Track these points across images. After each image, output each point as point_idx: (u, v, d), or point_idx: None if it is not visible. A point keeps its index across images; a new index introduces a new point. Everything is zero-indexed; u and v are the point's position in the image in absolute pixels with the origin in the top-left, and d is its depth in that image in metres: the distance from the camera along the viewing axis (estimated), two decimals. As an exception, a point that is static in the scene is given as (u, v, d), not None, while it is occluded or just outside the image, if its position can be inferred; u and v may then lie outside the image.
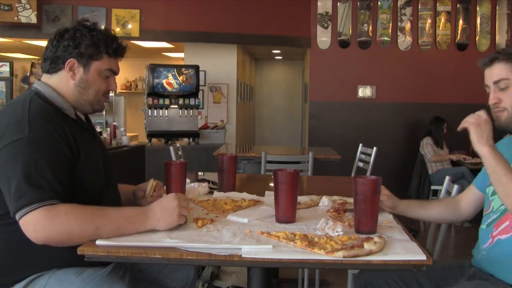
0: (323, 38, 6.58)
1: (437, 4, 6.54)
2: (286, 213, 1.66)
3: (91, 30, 1.66)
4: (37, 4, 6.04)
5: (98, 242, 1.37)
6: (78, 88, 1.65)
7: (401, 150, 6.56)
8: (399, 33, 6.55)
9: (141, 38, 6.49)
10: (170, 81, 6.03)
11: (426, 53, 6.54)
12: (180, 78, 6.06)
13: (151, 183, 1.82)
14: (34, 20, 6.04)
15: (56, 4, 6.20)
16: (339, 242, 1.40)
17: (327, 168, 4.63)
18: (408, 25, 6.54)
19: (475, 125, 1.55)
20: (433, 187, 5.57)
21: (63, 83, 1.65)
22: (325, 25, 6.56)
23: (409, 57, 6.54)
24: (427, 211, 1.88)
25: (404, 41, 6.54)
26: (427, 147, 5.69)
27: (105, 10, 6.30)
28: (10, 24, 6.04)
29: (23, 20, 6.03)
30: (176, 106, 6.05)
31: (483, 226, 1.74)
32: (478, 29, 6.56)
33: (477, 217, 1.88)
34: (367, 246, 1.34)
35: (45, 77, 1.68)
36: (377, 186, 1.57)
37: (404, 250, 1.36)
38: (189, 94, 6.08)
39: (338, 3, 6.52)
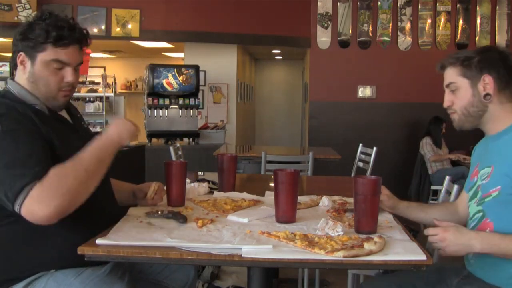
0: (323, 38, 6.58)
1: (437, 4, 6.53)
2: (286, 213, 1.66)
3: (42, 20, 1.58)
4: (37, 4, 6.04)
5: (98, 241, 1.37)
6: (29, 82, 1.59)
7: (401, 150, 6.56)
8: (399, 33, 6.55)
9: (141, 38, 6.49)
10: (170, 81, 6.03)
11: (426, 53, 6.53)
12: (180, 78, 6.06)
13: (153, 187, 1.82)
14: (34, 20, 6.03)
15: (56, 4, 6.19)
16: (339, 242, 1.40)
17: (327, 168, 4.63)
18: (408, 25, 6.54)
19: (446, 246, 1.50)
20: (433, 187, 5.56)
21: (22, 79, 1.61)
22: (325, 25, 6.56)
23: (409, 57, 6.53)
24: (427, 214, 1.88)
25: (404, 41, 6.54)
26: (426, 147, 5.69)
27: (105, 10, 6.29)
28: (10, 24, 6.03)
29: (23, 20, 6.01)
30: (176, 106, 6.05)
31: None
32: (478, 29, 6.56)
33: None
34: (367, 246, 1.34)
35: (15, 76, 1.65)
36: (377, 186, 1.57)
37: (404, 250, 1.36)
38: (189, 94, 6.07)
39: (338, 3, 6.52)
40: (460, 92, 1.70)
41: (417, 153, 5.90)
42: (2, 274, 1.54)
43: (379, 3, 6.51)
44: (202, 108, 7.29)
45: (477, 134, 1.82)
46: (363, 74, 6.59)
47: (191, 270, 1.90)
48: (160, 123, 6.04)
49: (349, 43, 6.56)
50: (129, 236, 1.44)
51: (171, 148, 4.25)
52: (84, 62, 1.75)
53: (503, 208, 1.58)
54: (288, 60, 11.61)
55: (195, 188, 2.14)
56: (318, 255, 1.32)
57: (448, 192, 2.19)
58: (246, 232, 1.51)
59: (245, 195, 2.09)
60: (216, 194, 2.14)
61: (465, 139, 5.42)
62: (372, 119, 6.56)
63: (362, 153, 4.65)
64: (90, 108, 7.83)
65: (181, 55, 8.21)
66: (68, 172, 1.42)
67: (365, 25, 6.55)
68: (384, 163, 5.62)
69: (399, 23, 6.54)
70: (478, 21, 6.55)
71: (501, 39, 6.54)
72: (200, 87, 6.43)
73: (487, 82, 1.65)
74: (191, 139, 6.13)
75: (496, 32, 6.54)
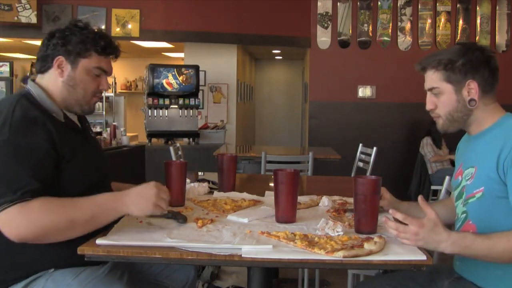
0: (323, 38, 6.58)
1: (437, 4, 6.53)
2: (286, 213, 1.66)
3: (82, 29, 1.66)
4: (37, 4, 6.03)
5: (98, 241, 1.37)
6: (66, 86, 1.65)
7: (401, 150, 6.56)
8: (399, 33, 6.54)
9: (141, 38, 6.49)
10: (170, 81, 6.03)
11: (426, 53, 6.40)
12: (180, 78, 6.06)
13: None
14: (34, 20, 6.03)
15: (56, 4, 6.20)
16: (339, 242, 1.40)
17: (327, 168, 4.63)
18: (408, 25, 6.53)
19: (415, 241, 1.40)
20: (433, 187, 5.56)
21: (52, 81, 1.66)
22: (325, 25, 6.56)
23: (409, 57, 6.52)
24: None
25: (404, 41, 6.54)
26: (427, 147, 5.69)
27: (105, 10, 6.29)
28: (10, 24, 6.03)
29: (23, 20, 6.03)
30: (176, 106, 6.05)
31: None
32: (478, 29, 6.55)
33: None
34: (367, 246, 1.34)
35: (38, 78, 1.69)
36: (377, 186, 1.57)
37: (404, 250, 1.37)
38: (189, 94, 6.07)
39: (338, 3, 6.52)
40: (443, 97, 1.65)
41: (417, 153, 5.90)
42: (1, 274, 1.54)
43: (379, 3, 6.51)
44: (202, 108, 7.29)
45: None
46: (363, 74, 6.59)
47: (191, 270, 1.90)
48: (160, 123, 6.04)
49: (349, 43, 6.56)
50: (129, 236, 1.44)
51: (171, 148, 4.25)
52: None
53: (485, 210, 1.56)
54: (288, 60, 11.61)
55: (195, 188, 2.14)
56: (318, 255, 1.32)
57: (448, 192, 2.19)
58: (246, 232, 1.51)
59: (245, 195, 2.09)
60: (216, 194, 2.14)
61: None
62: (372, 119, 6.56)
63: (362, 153, 4.65)
64: (90, 108, 7.80)
65: (181, 55, 8.21)
66: (52, 210, 1.41)
67: (365, 25, 6.54)
68: (384, 163, 5.62)
69: (399, 23, 6.54)
70: (478, 21, 6.55)
71: (501, 39, 6.54)
72: (200, 87, 6.43)
73: (472, 87, 1.60)
74: (191, 139, 6.13)
75: (496, 32, 6.54)
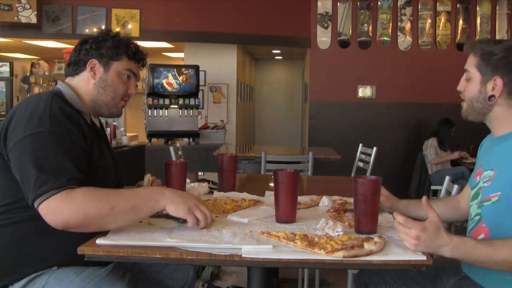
0: (323, 38, 6.58)
1: (437, 4, 6.53)
2: (286, 213, 1.65)
3: (114, 36, 1.75)
4: (37, 4, 6.04)
5: (98, 241, 1.37)
6: (97, 87, 1.72)
7: (401, 150, 6.56)
8: (399, 33, 6.55)
9: (141, 38, 6.48)
10: (170, 81, 6.03)
11: (426, 53, 6.53)
12: (180, 78, 6.06)
13: (148, 177, 1.87)
14: (34, 20, 6.04)
15: (56, 4, 6.20)
16: (339, 242, 1.40)
17: (327, 168, 4.63)
18: (408, 25, 6.54)
19: (416, 246, 1.36)
20: (433, 187, 5.56)
21: (83, 83, 1.72)
22: (325, 25, 6.56)
23: (409, 57, 6.53)
24: None
25: (404, 41, 6.54)
26: (430, 149, 5.65)
27: (105, 10, 6.29)
28: (10, 24, 6.03)
29: (23, 20, 6.03)
30: (176, 106, 6.05)
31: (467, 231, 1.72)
32: (478, 29, 6.56)
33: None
34: (367, 246, 1.34)
35: (68, 79, 1.75)
36: (377, 186, 1.57)
37: (404, 250, 1.36)
38: (189, 94, 6.07)
39: (338, 3, 6.52)
40: (471, 83, 1.66)
41: (417, 153, 5.89)
42: (4, 271, 1.54)
43: (379, 3, 6.51)
44: (202, 108, 7.29)
45: (478, 135, 1.81)
46: (363, 74, 6.59)
47: (191, 269, 1.91)
48: (160, 123, 6.04)
49: (349, 43, 6.56)
50: (129, 236, 1.44)
51: (171, 148, 4.25)
52: None
53: (500, 215, 1.55)
54: (288, 60, 11.61)
55: (195, 188, 2.13)
56: (318, 255, 1.32)
57: (448, 192, 2.19)
58: (246, 232, 1.51)
59: (245, 195, 2.09)
60: (216, 194, 2.14)
61: (466, 139, 5.43)
62: (372, 119, 6.56)
63: (362, 153, 4.65)
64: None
65: (181, 55, 8.21)
66: (96, 198, 1.43)
67: (365, 25, 6.55)
68: (384, 163, 5.62)
69: (399, 23, 6.55)
70: (478, 21, 6.55)
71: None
72: (200, 87, 6.42)
73: (497, 84, 1.60)
74: (191, 139, 6.13)
75: (496, 32, 6.54)
